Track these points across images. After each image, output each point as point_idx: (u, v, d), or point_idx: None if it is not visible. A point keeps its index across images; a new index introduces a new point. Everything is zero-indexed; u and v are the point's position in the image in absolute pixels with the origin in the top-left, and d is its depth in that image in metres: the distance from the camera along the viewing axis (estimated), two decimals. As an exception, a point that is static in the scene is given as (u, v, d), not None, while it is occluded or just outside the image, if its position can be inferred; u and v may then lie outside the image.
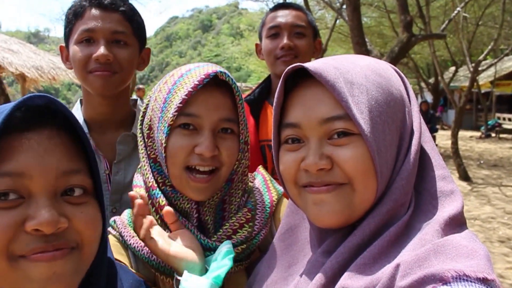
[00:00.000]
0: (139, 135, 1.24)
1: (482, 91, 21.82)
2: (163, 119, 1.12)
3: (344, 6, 7.36)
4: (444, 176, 0.91)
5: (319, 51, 2.31)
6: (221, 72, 1.12)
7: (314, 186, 0.90)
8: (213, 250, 1.12)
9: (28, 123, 0.77)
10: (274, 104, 0.97)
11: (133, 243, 1.15)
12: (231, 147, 1.16)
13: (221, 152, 1.13)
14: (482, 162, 13.74)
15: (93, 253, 0.82)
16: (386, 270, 0.77)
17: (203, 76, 1.10)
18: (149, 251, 1.12)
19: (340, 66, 0.90)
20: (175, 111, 1.09)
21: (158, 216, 1.17)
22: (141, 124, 1.23)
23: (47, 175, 0.75)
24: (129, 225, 1.21)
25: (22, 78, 11.05)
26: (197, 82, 1.09)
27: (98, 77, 1.62)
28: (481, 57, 12.30)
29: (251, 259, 1.20)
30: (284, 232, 1.09)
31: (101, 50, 1.59)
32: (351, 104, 0.85)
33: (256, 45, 2.37)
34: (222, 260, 1.04)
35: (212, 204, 1.19)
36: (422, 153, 0.94)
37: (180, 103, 1.09)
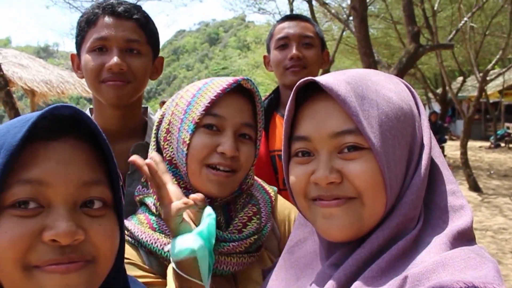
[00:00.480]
0: (152, 139, 1.30)
1: (491, 101, 21.69)
2: (187, 119, 1.20)
3: (351, 18, 7.38)
4: (454, 191, 0.91)
5: (327, 62, 2.33)
6: (246, 79, 1.23)
7: (323, 200, 0.90)
8: (228, 241, 1.19)
9: (53, 132, 0.78)
10: (285, 117, 0.98)
11: (145, 238, 1.19)
12: (249, 152, 1.24)
13: (240, 155, 1.21)
14: (492, 172, 13.61)
15: (108, 267, 0.81)
16: (394, 283, 0.77)
17: (231, 81, 1.20)
18: (161, 243, 1.16)
19: (351, 80, 0.90)
20: (203, 110, 1.17)
21: None
22: (157, 130, 1.30)
23: (68, 184, 0.75)
24: (138, 224, 1.25)
25: (31, 92, 11.17)
26: (225, 86, 1.19)
27: (111, 87, 1.58)
28: (489, 67, 12.26)
29: (260, 252, 1.28)
30: (293, 245, 1.09)
31: (114, 59, 1.55)
32: (362, 118, 0.85)
33: (265, 57, 2.38)
34: (204, 220, 1.06)
35: (220, 206, 1.26)
36: (432, 167, 0.94)
37: (208, 102, 1.18)
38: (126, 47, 1.59)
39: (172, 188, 1.08)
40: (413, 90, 0.99)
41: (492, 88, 21.00)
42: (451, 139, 22.87)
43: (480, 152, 18.87)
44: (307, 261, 1.03)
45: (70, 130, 0.80)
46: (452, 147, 18.43)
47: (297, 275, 1.02)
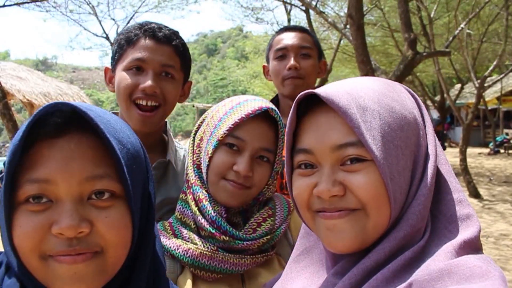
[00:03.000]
0: (190, 141, 1.45)
1: (489, 108, 21.73)
2: (215, 134, 1.34)
3: (348, 26, 7.41)
4: (461, 200, 0.90)
5: (324, 72, 2.39)
6: (271, 109, 1.35)
7: (327, 212, 0.89)
8: (242, 239, 1.30)
9: (58, 131, 0.82)
10: (286, 129, 0.98)
11: (169, 244, 1.32)
12: (264, 173, 1.36)
13: (254, 175, 1.33)
14: (492, 178, 13.59)
15: (120, 256, 0.84)
16: None
17: (256, 108, 1.32)
18: (184, 249, 1.28)
19: (352, 91, 0.90)
20: (227, 130, 1.31)
21: (196, 207, 1.34)
22: (195, 134, 1.46)
23: (71, 181, 0.80)
24: (164, 230, 1.38)
25: (30, 105, 11.18)
26: (250, 111, 1.31)
27: (140, 116, 1.62)
28: (486, 73, 12.30)
29: (273, 252, 1.38)
30: (299, 253, 1.08)
31: (150, 81, 1.60)
32: (364, 130, 0.84)
33: (264, 66, 2.44)
34: None
35: (236, 212, 1.38)
36: (438, 175, 0.92)
37: (232, 124, 1.31)
38: (162, 71, 1.65)
39: None
40: (417, 97, 0.98)
41: (490, 94, 21.07)
42: (450, 146, 22.87)
43: (479, 158, 18.86)
44: (313, 269, 1.02)
45: (76, 126, 0.83)
46: (451, 154, 18.42)
47: (304, 284, 1.01)
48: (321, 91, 0.89)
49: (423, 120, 0.94)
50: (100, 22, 14.86)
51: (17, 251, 0.80)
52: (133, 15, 15.77)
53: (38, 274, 0.81)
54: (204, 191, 1.35)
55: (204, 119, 1.44)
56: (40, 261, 0.79)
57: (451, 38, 9.99)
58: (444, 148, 15.93)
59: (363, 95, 0.89)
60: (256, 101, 1.36)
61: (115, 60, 1.72)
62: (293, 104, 0.96)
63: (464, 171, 11.13)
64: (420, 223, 0.86)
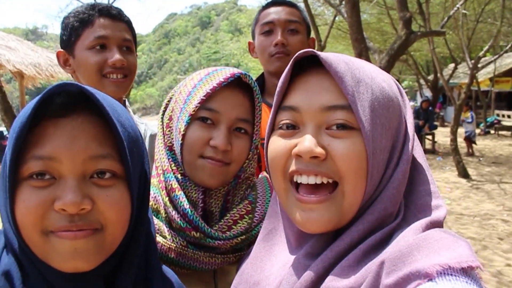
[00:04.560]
0: (159, 123, 1.33)
1: (481, 89, 21.80)
2: (185, 109, 1.22)
3: (343, 3, 7.33)
4: (432, 192, 0.91)
5: (312, 49, 2.29)
6: (245, 74, 1.23)
7: (304, 195, 0.88)
8: (214, 238, 1.18)
9: (63, 110, 0.84)
10: (277, 88, 0.95)
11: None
12: (243, 146, 1.24)
13: (232, 149, 1.21)
14: (481, 159, 13.75)
15: (118, 235, 0.87)
16: (370, 268, 0.77)
17: (229, 75, 1.20)
18: (165, 249, 1.19)
19: (349, 62, 0.90)
20: (198, 103, 1.19)
21: (167, 198, 1.23)
22: (163, 114, 1.33)
23: (75, 159, 0.82)
24: None
25: (20, 75, 11.02)
26: (222, 80, 1.19)
27: (114, 83, 1.79)
28: (480, 54, 12.29)
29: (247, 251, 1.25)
30: (267, 233, 1.07)
31: (117, 55, 1.76)
32: (356, 98, 0.84)
33: (249, 43, 2.33)
34: None
35: (218, 195, 1.26)
36: (413, 167, 0.93)
37: (204, 96, 1.18)
38: (123, 45, 1.82)
39: None
40: (400, 87, 0.99)
41: (483, 75, 21.12)
42: (443, 126, 23.02)
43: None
44: (281, 247, 1.01)
45: (81, 107, 0.85)
46: (443, 134, 18.56)
47: (272, 261, 1.00)
48: (321, 53, 0.88)
49: (405, 109, 0.96)
50: (91, -9, 14.57)
51: (18, 226, 0.82)
52: (126, -15, 15.43)
53: (38, 250, 0.82)
54: (179, 175, 1.23)
55: (171, 97, 1.32)
56: (41, 236, 0.81)
57: (446, 18, 9.95)
58: (436, 127, 15.98)
59: (359, 68, 0.89)
60: (227, 69, 1.24)
61: (72, 42, 1.82)
62: (290, 62, 0.93)
63: (454, 151, 11.24)
64: (392, 207, 0.87)
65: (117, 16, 1.81)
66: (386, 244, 0.83)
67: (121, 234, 0.88)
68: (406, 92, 1.19)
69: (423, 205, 0.89)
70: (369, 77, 0.89)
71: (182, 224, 1.18)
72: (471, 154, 14.59)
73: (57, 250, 0.81)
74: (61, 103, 0.84)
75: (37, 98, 0.82)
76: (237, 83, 1.22)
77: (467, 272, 0.70)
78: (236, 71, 1.22)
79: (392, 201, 0.87)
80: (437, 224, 0.85)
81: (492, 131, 20.58)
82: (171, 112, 1.28)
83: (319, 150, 0.85)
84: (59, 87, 0.83)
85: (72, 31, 1.80)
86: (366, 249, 0.83)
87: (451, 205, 8.55)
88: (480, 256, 5.95)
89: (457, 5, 10.57)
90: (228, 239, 1.19)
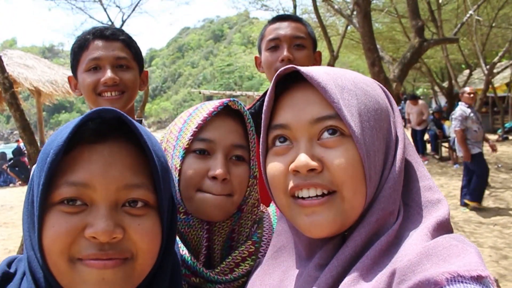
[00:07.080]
0: None
1: (498, 95, 21.51)
2: (178, 145, 1.19)
3: (355, 13, 7.33)
4: (430, 187, 0.92)
5: (319, 63, 2.28)
6: (233, 101, 1.22)
7: (305, 200, 0.88)
8: (215, 282, 1.15)
9: (99, 136, 0.83)
10: (264, 107, 0.96)
11: None
12: (242, 174, 1.21)
13: (232, 179, 1.18)
14: (500, 165, 13.52)
15: (148, 265, 0.85)
16: (381, 279, 0.77)
17: (218, 104, 1.19)
18: None
19: (330, 72, 0.92)
20: (191, 135, 1.17)
21: None
22: None
23: (109, 187, 0.81)
24: None
25: (37, 92, 11.22)
26: (212, 109, 1.18)
27: (107, 100, 1.82)
28: (495, 59, 12.17)
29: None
30: (276, 250, 1.07)
31: (108, 73, 1.80)
32: (342, 106, 0.85)
33: (256, 58, 2.33)
34: None
35: (222, 232, 1.21)
36: (407, 165, 0.95)
37: (195, 127, 1.17)
38: (117, 64, 1.85)
39: None
40: (386, 90, 1.00)
41: (500, 80, 20.81)
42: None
43: (487, 145, 18.73)
44: (291, 263, 1.01)
45: (116, 134, 0.85)
46: (459, 141, 18.26)
47: (280, 277, 1.00)
48: (301, 68, 0.90)
49: (392, 110, 0.97)
50: (105, 9, 14.82)
51: (44, 253, 0.80)
52: (138, 2, 15.64)
53: (64, 278, 0.80)
54: (181, 215, 1.20)
55: (162, 140, 1.30)
56: (68, 264, 0.79)
57: (459, 25, 9.89)
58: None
59: (340, 77, 0.91)
60: (215, 101, 1.23)
61: (75, 67, 1.90)
62: (272, 80, 0.94)
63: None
64: (391, 205, 0.87)
65: (110, 37, 1.85)
66: (393, 248, 0.83)
67: (151, 264, 0.86)
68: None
69: (423, 201, 0.90)
70: (352, 83, 0.90)
71: (182, 271, 1.15)
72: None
73: (84, 279, 0.78)
74: (96, 129, 0.83)
75: (73, 122, 0.81)
76: (227, 111, 1.21)
77: (478, 279, 0.70)
78: (224, 100, 1.22)
79: (389, 200, 0.87)
80: (444, 224, 0.85)
81: (511, 137, 20.25)
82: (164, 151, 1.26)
83: (314, 163, 0.86)
84: (95, 113, 0.82)
85: (74, 56, 1.90)
86: (374, 256, 0.82)
87: (469, 214, 8.40)
88: (500, 265, 5.83)
89: (470, 11, 10.50)
90: (230, 282, 1.17)
